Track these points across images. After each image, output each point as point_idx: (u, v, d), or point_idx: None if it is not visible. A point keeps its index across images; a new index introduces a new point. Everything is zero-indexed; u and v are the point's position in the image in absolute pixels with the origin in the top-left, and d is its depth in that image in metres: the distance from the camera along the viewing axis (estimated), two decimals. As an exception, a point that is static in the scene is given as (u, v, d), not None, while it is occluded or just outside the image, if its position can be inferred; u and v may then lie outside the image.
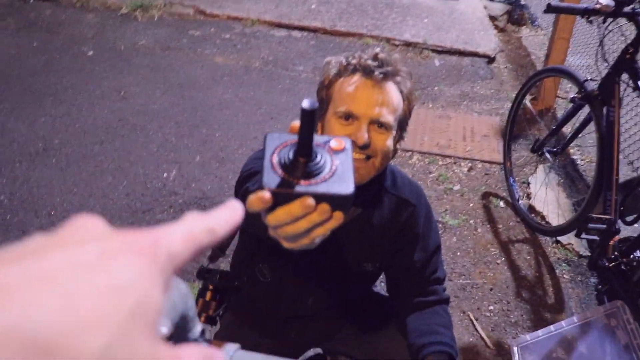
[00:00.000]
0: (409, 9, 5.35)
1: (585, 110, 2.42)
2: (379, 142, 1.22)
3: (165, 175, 3.15)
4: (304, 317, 1.50)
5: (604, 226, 1.98)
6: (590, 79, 2.32)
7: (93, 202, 2.97)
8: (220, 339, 1.45)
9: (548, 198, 2.81)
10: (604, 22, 2.13)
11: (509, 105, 3.29)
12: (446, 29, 4.94)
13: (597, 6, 2.04)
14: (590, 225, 1.97)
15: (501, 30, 5.20)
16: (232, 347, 0.65)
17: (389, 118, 1.22)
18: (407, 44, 4.74)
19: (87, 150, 3.41)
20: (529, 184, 3.03)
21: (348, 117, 1.21)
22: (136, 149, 3.40)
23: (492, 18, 5.26)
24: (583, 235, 2.03)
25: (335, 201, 0.53)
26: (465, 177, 3.14)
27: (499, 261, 2.55)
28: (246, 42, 4.98)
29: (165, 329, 0.52)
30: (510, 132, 2.93)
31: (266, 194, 0.50)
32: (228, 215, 0.37)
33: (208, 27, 5.30)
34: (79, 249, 0.26)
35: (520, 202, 2.81)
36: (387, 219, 1.40)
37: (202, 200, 3.00)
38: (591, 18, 2.08)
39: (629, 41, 2.14)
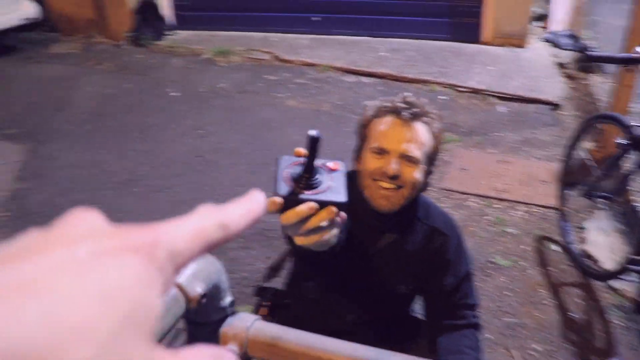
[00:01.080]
0: (474, 57, 5.50)
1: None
2: (408, 174, 1.39)
3: (234, 207, 3.41)
4: (343, 333, 1.65)
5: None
6: (636, 125, 2.37)
7: (169, 229, 3.26)
8: None
9: (602, 242, 2.82)
10: (629, 69, 2.21)
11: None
12: (511, 76, 5.03)
13: (636, 55, 2.12)
14: (632, 266, 2.01)
15: (569, 77, 5.22)
16: (250, 318, 0.83)
17: (417, 153, 1.39)
18: (473, 91, 4.86)
19: (166, 181, 3.76)
20: (583, 228, 3.04)
21: (381, 152, 1.39)
22: (210, 182, 3.71)
23: (561, 65, 5.30)
24: (624, 276, 2.06)
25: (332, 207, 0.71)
26: (521, 221, 3.20)
27: (547, 302, 2.59)
28: (318, 87, 5.28)
29: (200, 289, 0.72)
30: (565, 177, 2.99)
31: (278, 199, 0.69)
32: (246, 208, 0.34)
33: (283, 72, 5.67)
34: (67, 249, 0.23)
35: (573, 245, 2.84)
36: (420, 245, 1.56)
37: (266, 232, 3.22)
38: (630, 67, 2.16)
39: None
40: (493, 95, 4.75)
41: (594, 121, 2.83)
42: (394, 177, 1.37)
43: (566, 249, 2.89)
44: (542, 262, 2.85)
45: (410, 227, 1.55)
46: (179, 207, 3.44)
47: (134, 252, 0.24)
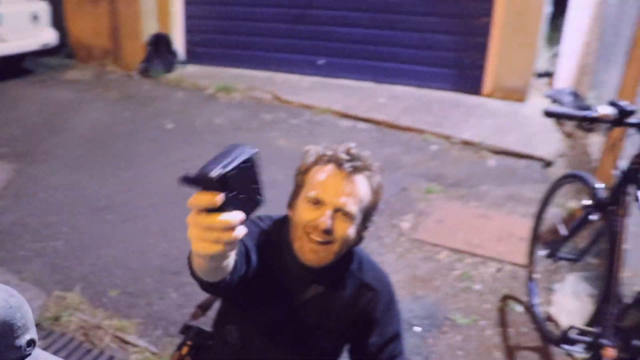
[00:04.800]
0: (474, 110, 5.45)
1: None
2: (341, 229, 1.34)
3: (200, 241, 3.36)
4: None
5: (588, 339, 1.88)
6: (601, 187, 2.27)
7: (132, 258, 3.22)
8: None
9: (571, 307, 2.68)
10: (610, 129, 2.12)
11: (556, 210, 3.23)
12: (507, 130, 4.96)
13: (596, 114, 2.04)
14: (571, 336, 1.87)
15: (569, 135, 5.13)
16: None
17: (353, 208, 1.34)
18: (465, 143, 4.79)
19: (140, 211, 3.73)
20: (553, 290, 2.90)
21: (316, 202, 1.34)
22: (182, 215, 3.61)
23: (560, 123, 5.21)
24: (564, 345, 1.93)
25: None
26: (490, 278, 3.07)
27: (500, 366, 2.44)
28: (311, 129, 5.27)
29: None
30: (535, 236, 2.87)
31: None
32: None
33: (280, 112, 5.69)
34: None
35: (537, 307, 2.70)
36: (348, 300, 1.48)
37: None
38: (588, 125, 2.07)
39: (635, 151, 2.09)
40: (485, 149, 4.67)
41: (564, 180, 2.73)
42: (326, 232, 1.32)
43: (530, 311, 2.75)
44: (503, 322, 2.71)
45: (340, 281, 1.48)
46: (147, 238, 3.41)
47: None
